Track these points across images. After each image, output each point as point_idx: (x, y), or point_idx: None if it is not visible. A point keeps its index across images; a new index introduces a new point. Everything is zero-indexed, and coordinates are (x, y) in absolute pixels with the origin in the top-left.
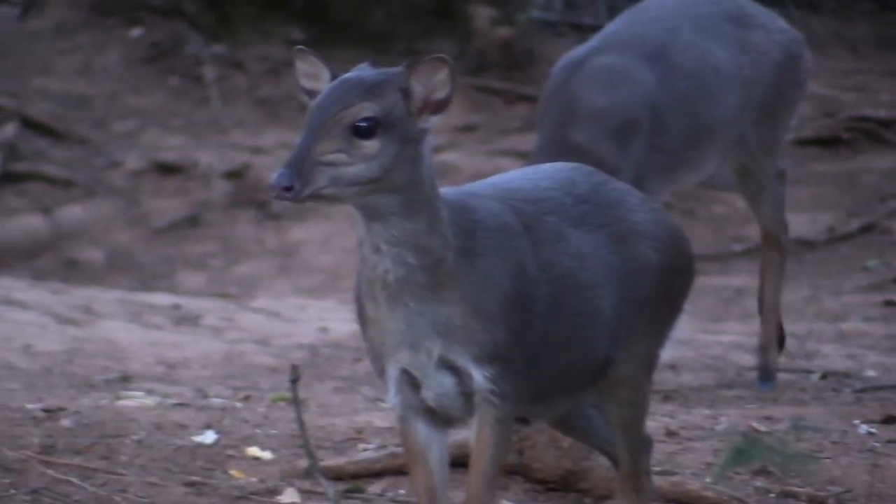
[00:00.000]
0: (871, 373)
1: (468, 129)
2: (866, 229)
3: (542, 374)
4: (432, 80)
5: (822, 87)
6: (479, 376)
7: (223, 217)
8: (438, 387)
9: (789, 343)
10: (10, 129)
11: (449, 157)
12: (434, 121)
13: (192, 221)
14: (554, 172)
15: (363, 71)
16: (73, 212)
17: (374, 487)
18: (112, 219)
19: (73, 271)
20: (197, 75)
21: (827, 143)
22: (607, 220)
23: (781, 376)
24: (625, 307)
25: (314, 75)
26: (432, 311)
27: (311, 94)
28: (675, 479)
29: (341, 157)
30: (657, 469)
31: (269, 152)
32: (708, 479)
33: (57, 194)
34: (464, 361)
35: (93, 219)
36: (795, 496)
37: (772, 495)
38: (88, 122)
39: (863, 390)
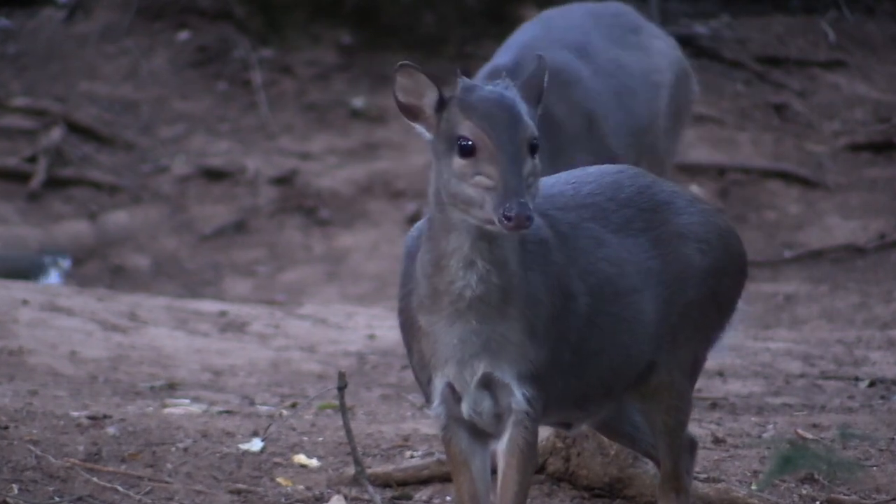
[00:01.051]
0: None
1: None
2: None
3: (581, 381)
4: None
5: (875, 91)
6: (519, 395)
7: (270, 223)
8: (475, 404)
9: (838, 350)
10: (56, 134)
11: None
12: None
13: (239, 227)
14: (600, 176)
15: (502, 88)
16: (118, 217)
17: (421, 494)
18: (158, 225)
19: (118, 277)
20: (245, 80)
21: (880, 148)
22: (651, 224)
23: (830, 383)
24: (669, 311)
25: (416, 92)
26: (490, 329)
27: (408, 109)
28: (721, 486)
29: (531, 177)
30: (703, 476)
31: (318, 158)
32: (754, 487)
33: (103, 200)
34: (509, 379)
35: (139, 225)
36: None
37: (818, 503)
38: (135, 127)
39: None
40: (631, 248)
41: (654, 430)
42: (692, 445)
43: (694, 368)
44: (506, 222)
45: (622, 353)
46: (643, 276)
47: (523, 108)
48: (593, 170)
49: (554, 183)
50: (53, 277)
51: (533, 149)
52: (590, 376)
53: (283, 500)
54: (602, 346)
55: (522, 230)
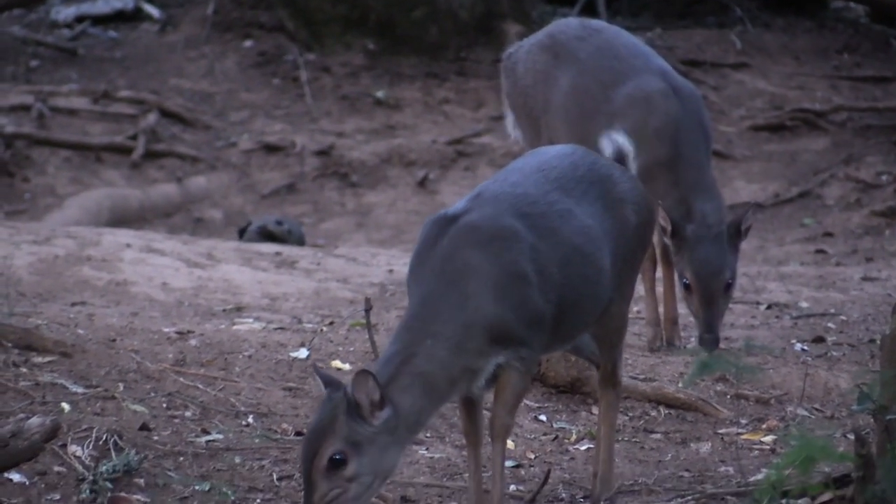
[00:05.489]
0: (804, 304)
1: (501, 118)
2: (803, 195)
3: (562, 329)
4: (368, 388)
5: (771, 86)
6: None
7: (313, 185)
8: None
9: (743, 281)
10: (152, 118)
11: (486, 139)
12: (385, 412)
13: (290, 189)
14: (560, 160)
15: (319, 412)
16: (199, 182)
17: None
18: (229, 187)
19: (199, 227)
20: (294, 77)
21: (775, 129)
22: (600, 193)
23: (737, 307)
24: (618, 259)
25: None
26: None
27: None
28: (656, 384)
29: (335, 492)
30: (641, 377)
31: (349, 136)
32: (680, 385)
33: (187, 168)
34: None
35: (214, 187)
36: (746, 398)
37: (728, 397)
38: (211, 113)
39: (798, 317)
40: (592, 214)
41: (601, 343)
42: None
43: (630, 297)
44: None
45: (593, 299)
46: (602, 237)
47: (319, 438)
48: (553, 153)
49: (528, 174)
50: None
51: (334, 465)
52: (569, 322)
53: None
54: (577, 298)
55: None
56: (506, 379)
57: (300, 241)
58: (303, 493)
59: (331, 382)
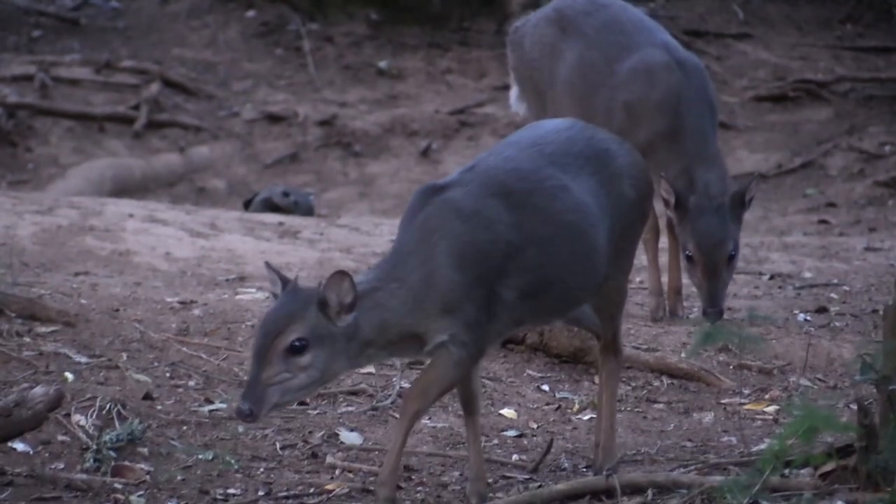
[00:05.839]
0: (807, 274)
1: (504, 88)
2: (806, 165)
3: (547, 301)
4: (341, 289)
5: (774, 56)
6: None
7: (316, 155)
8: None
9: (746, 251)
10: (154, 88)
11: (489, 109)
12: (350, 317)
13: (293, 159)
14: (557, 134)
15: (287, 296)
16: (201, 151)
17: None
18: (231, 156)
19: (202, 196)
20: (297, 47)
21: (778, 99)
22: (597, 168)
23: (740, 277)
24: (615, 234)
25: (275, 282)
26: None
27: (275, 297)
28: (658, 354)
29: (284, 375)
30: (644, 347)
31: (352, 106)
32: (683, 355)
33: (189, 138)
34: None
35: (217, 156)
36: (749, 368)
37: (731, 367)
38: (214, 83)
39: (801, 288)
40: (588, 190)
41: (601, 315)
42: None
43: (629, 270)
44: (234, 415)
45: (585, 273)
46: (598, 213)
47: (286, 318)
48: (551, 128)
49: (523, 147)
50: None
51: (292, 350)
52: (556, 294)
53: None
54: (565, 272)
55: (248, 424)
56: (436, 362)
57: (308, 212)
58: (251, 365)
59: (285, 278)
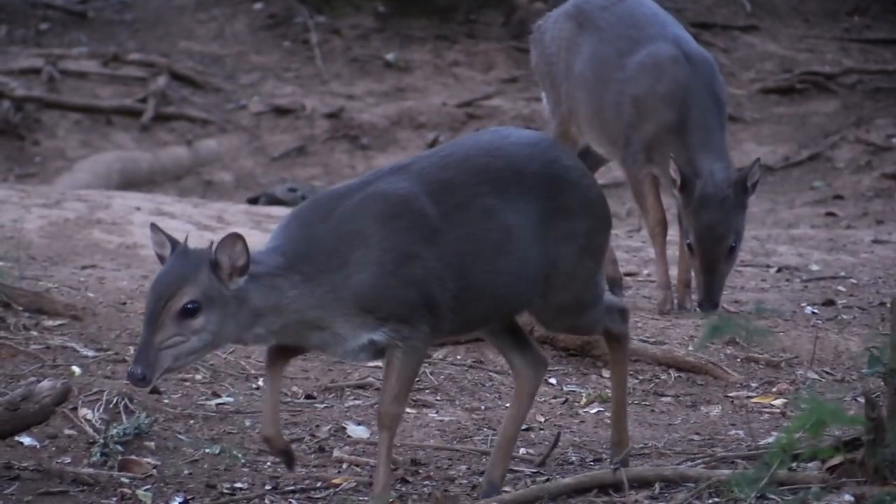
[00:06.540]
0: (815, 267)
1: (511, 80)
2: (814, 158)
3: (469, 316)
4: (234, 251)
5: (781, 48)
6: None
7: (324, 148)
8: None
9: (753, 244)
10: (162, 81)
11: (496, 102)
12: (242, 281)
13: (300, 151)
14: (518, 148)
15: (178, 258)
16: (209, 144)
17: (437, 354)
18: (239, 149)
19: (209, 190)
20: (304, 39)
21: (785, 91)
22: (548, 193)
23: (747, 269)
24: (555, 262)
25: (163, 244)
26: None
27: (163, 259)
28: (665, 347)
29: (177, 339)
30: (651, 340)
31: (360, 99)
32: (690, 348)
33: (197, 130)
34: None
35: (224, 149)
36: (756, 361)
37: (738, 360)
38: (221, 75)
39: (808, 280)
40: (523, 213)
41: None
42: (622, 312)
43: (581, 296)
44: (127, 379)
45: (508, 292)
46: (531, 238)
47: (178, 281)
48: (513, 140)
49: (472, 155)
50: None
51: (184, 313)
52: (477, 312)
53: None
54: (487, 289)
55: (141, 388)
56: (390, 363)
57: None
58: (143, 330)
59: (174, 240)
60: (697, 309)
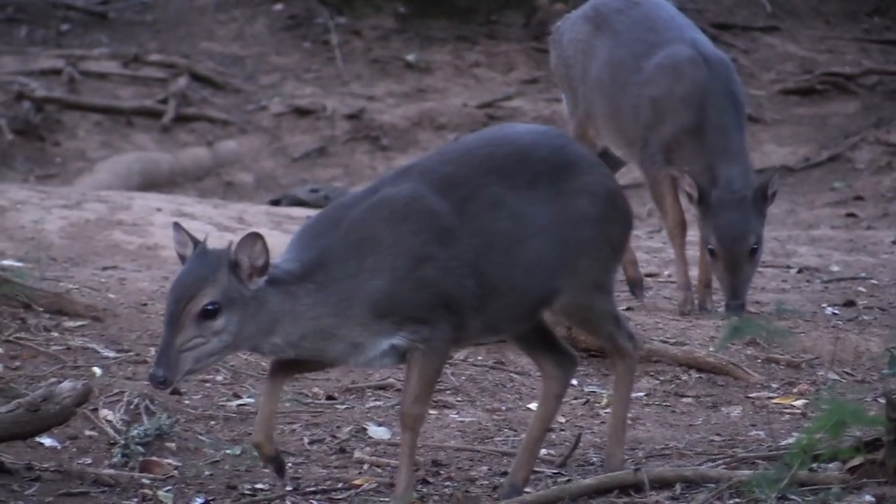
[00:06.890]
0: (835, 268)
1: (532, 81)
2: (834, 159)
3: (490, 313)
4: (253, 252)
5: (801, 49)
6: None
7: (344, 149)
8: None
9: (774, 245)
10: (182, 82)
11: (517, 103)
12: (262, 281)
13: (321, 152)
14: (521, 136)
15: (197, 259)
16: (229, 145)
17: (458, 355)
18: (259, 150)
19: (229, 190)
20: (325, 40)
21: (805, 92)
22: (557, 178)
23: (768, 270)
24: (567, 249)
25: (185, 244)
26: None
27: (184, 259)
28: (686, 348)
29: (197, 340)
30: (672, 341)
31: (380, 99)
32: (711, 349)
33: (217, 131)
34: None
35: (245, 150)
36: (777, 361)
37: (759, 361)
38: (241, 76)
39: (829, 281)
40: (532, 201)
41: (581, 329)
42: (631, 335)
43: (594, 288)
44: (149, 381)
45: (521, 290)
46: (540, 226)
47: (198, 282)
48: (514, 130)
49: (475, 147)
50: None
51: (204, 315)
52: (498, 308)
53: None
54: (501, 286)
55: (162, 390)
56: (411, 364)
57: None
58: (163, 332)
59: (196, 239)
60: (718, 310)
